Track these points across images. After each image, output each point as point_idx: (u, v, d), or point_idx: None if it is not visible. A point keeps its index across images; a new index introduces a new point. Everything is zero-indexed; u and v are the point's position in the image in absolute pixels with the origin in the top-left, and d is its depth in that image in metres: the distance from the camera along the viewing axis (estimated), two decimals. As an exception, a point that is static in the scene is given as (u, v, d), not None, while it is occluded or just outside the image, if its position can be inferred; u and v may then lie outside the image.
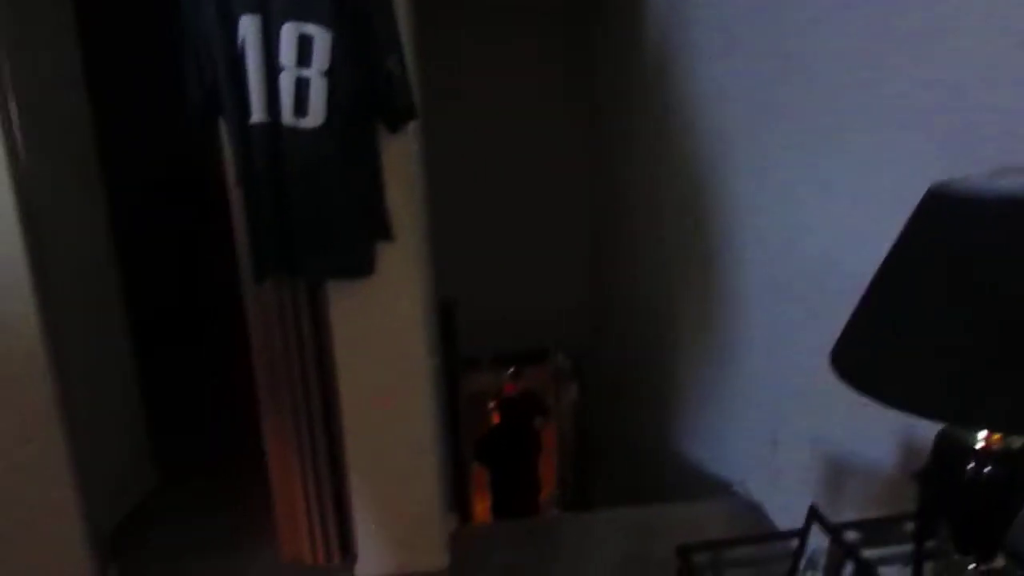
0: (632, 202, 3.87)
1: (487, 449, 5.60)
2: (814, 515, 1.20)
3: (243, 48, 1.75)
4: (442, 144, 4.28)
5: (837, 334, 1.01)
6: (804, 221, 1.94)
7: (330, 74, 1.79)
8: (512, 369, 6.19)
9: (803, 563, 1.18)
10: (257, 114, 1.78)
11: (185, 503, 2.77)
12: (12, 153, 1.93)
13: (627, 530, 2.35)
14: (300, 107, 1.79)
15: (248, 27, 1.74)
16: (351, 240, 1.89)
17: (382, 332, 2.04)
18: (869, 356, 0.96)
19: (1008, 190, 0.93)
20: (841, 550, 1.09)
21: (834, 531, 1.14)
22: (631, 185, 3.87)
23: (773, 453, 2.17)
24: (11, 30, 2.03)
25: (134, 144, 3.73)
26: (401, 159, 1.94)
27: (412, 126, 1.97)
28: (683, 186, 2.92)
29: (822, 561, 1.13)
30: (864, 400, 0.91)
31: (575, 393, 6.04)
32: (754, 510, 2.32)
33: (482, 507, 5.83)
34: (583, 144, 4.85)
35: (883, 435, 1.56)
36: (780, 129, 2.06)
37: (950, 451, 1.00)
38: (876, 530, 1.32)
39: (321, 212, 1.84)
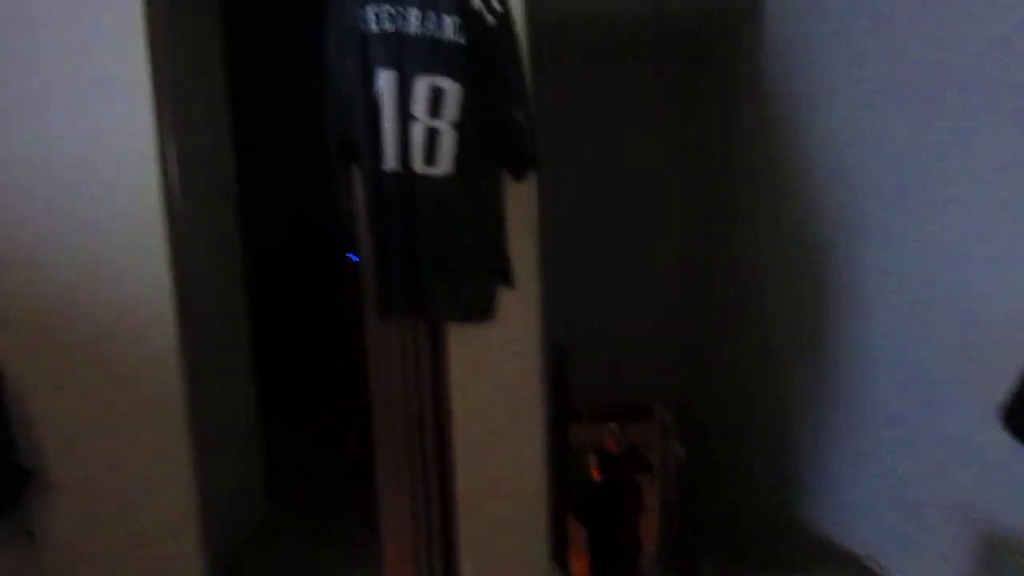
0: (743, 251, 3.78)
1: (586, 505, 5.47)
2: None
3: (379, 100, 1.85)
4: (549, 193, 4.37)
5: (994, 382, 0.94)
6: (951, 265, 1.82)
7: (459, 125, 1.87)
8: (615, 424, 6.08)
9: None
10: (390, 161, 1.87)
11: (297, 532, 2.84)
12: (170, 213, 2.12)
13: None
14: (430, 156, 1.88)
15: (385, 80, 1.84)
16: (474, 284, 1.94)
17: (498, 376, 2.06)
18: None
19: None
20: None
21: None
22: (741, 234, 3.79)
23: (910, 521, 2.01)
24: (173, 100, 2.23)
25: (268, 195, 3.99)
26: (523, 206, 1.99)
27: (533, 174, 2.03)
28: (802, 236, 2.84)
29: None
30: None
31: (680, 450, 5.86)
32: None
33: (579, 566, 5.68)
34: (690, 195, 4.80)
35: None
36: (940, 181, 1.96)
37: None
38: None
39: (447, 256, 1.90)
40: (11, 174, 2.06)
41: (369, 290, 2.06)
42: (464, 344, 2.05)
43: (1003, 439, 0.89)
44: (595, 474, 5.75)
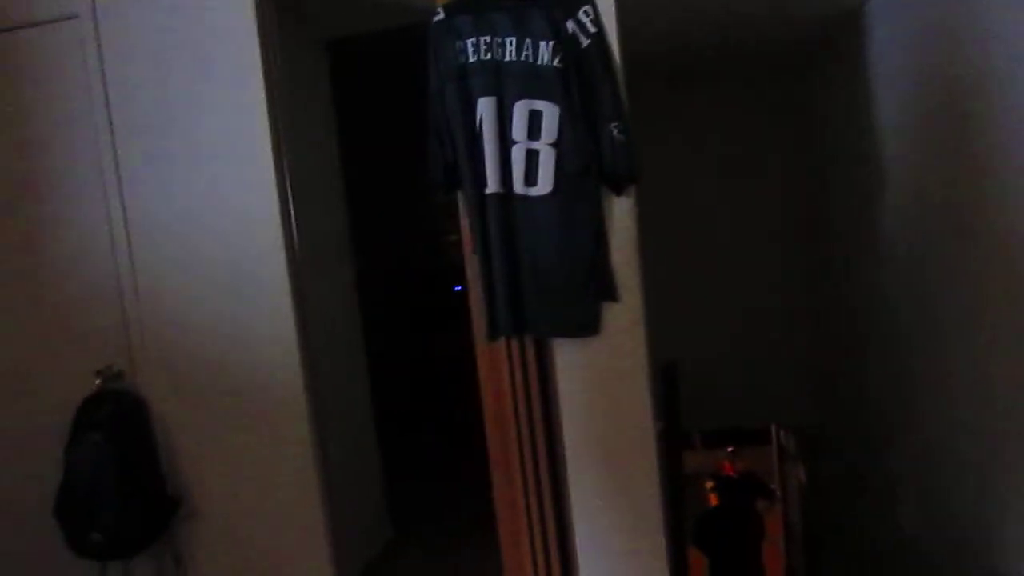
0: (864, 261, 3.61)
1: (705, 532, 5.30)
2: None
3: (481, 126, 1.92)
4: (661, 208, 4.34)
5: None
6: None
7: (557, 145, 1.91)
8: (731, 448, 5.89)
9: None
10: (493, 185, 1.93)
11: (420, 555, 2.92)
12: (293, 272, 2.30)
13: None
14: (530, 177, 1.93)
15: (486, 107, 1.91)
16: (578, 300, 1.96)
17: (607, 392, 2.06)
18: None
19: None
20: None
21: None
22: (860, 245, 3.62)
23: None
24: (292, 144, 2.40)
25: (379, 238, 4.18)
26: (624, 221, 1.99)
27: (633, 189, 2.03)
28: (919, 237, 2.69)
29: None
30: None
31: (802, 475, 5.59)
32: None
33: (701, 596, 5.49)
34: (808, 205, 4.63)
35: None
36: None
37: None
38: None
39: (550, 273, 1.93)
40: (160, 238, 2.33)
41: (476, 313, 2.11)
42: (571, 360, 2.06)
43: None
44: (712, 500, 5.57)
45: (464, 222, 2.08)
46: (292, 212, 2.33)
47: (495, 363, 2.15)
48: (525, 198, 1.94)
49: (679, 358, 4.03)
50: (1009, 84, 2.03)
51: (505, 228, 1.94)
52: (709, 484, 5.65)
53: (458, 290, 4.55)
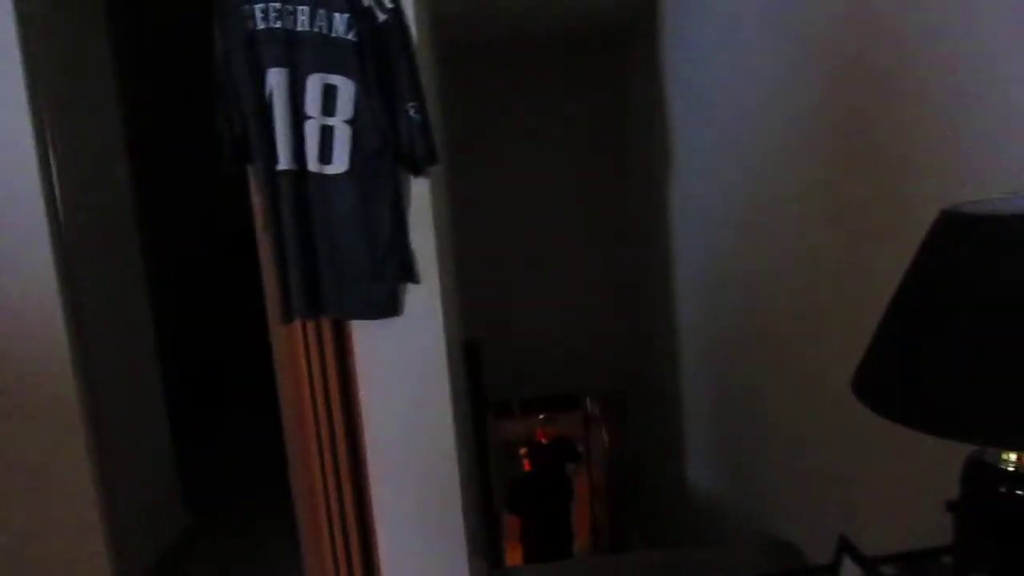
0: (664, 242, 3.88)
1: (519, 496, 5.53)
2: (845, 546, 1.16)
3: (271, 99, 1.82)
4: (471, 186, 4.37)
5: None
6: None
7: (353, 122, 1.86)
8: (543, 415, 6.15)
9: (835, 598, 1.15)
10: (284, 162, 1.84)
11: (218, 545, 2.79)
12: (53, 218, 2.04)
13: (658, 572, 2.29)
14: (325, 154, 1.86)
15: (276, 79, 1.82)
16: (377, 281, 1.93)
17: (407, 372, 2.06)
18: (895, 381, 0.95)
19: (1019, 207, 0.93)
20: (875, 583, 1.06)
21: (866, 563, 1.10)
22: (661, 222, 3.88)
23: (807, 491, 2.11)
24: (56, 98, 2.15)
25: (169, 203, 3.86)
26: (424, 202, 1.99)
27: (435, 169, 2.03)
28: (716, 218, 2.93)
29: (855, 595, 1.10)
30: (894, 430, 0.89)
31: (607, 438, 5.97)
32: (790, 550, 2.26)
33: (514, 557, 5.73)
34: (616, 182, 4.86)
35: (917, 467, 1.52)
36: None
37: (981, 477, 0.97)
38: (913, 563, 1.28)
39: (346, 254, 1.89)
40: None
41: (271, 294, 2.03)
42: (370, 341, 2.04)
43: (866, 414, 0.94)
44: (526, 465, 5.82)
45: (255, 198, 1.98)
46: (56, 179, 2.09)
47: (292, 346, 2.09)
48: (320, 176, 1.87)
49: (497, 332, 4.15)
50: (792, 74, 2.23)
51: (299, 207, 1.87)
52: (523, 450, 5.89)
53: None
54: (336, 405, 2.10)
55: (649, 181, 3.90)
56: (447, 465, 2.12)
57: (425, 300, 2.02)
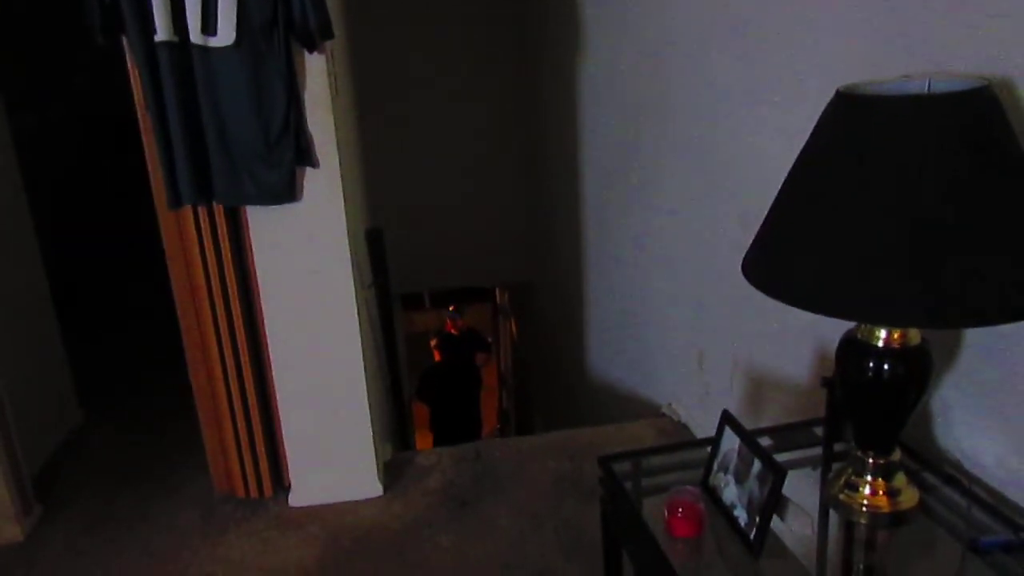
0: (560, 138, 3.84)
1: (428, 386, 5.63)
2: (727, 420, 1.24)
3: (143, -42, 1.64)
4: (376, 66, 4.17)
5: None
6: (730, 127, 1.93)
7: (240, -12, 1.70)
8: (452, 307, 6.20)
9: (716, 465, 1.23)
10: (162, 32, 1.68)
11: (113, 440, 2.74)
12: None
13: (558, 451, 2.40)
14: (208, 24, 1.71)
15: (148, -65, 1.63)
16: (272, 165, 1.83)
17: (306, 260, 2.00)
18: (778, 260, 0.98)
19: (912, 90, 0.95)
20: (751, 452, 1.14)
21: (744, 434, 1.18)
22: (559, 122, 3.84)
23: (699, 374, 2.23)
24: None
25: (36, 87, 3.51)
26: (319, 80, 1.87)
27: (332, 46, 1.90)
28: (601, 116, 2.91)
29: (733, 463, 1.17)
30: (782, 312, 0.93)
31: (514, 329, 6.11)
32: (682, 429, 2.40)
33: (424, 444, 5.90)
34: (516, 80, 4.74)
35: (800, 347, 1.61)
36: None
37: (854, 353, 1.04)
38: (788, 435, 1.38)
39: (236, 135, 1.77)
40: None
41: (156, 178, 1.90)
42: (267, 228, 1.95)
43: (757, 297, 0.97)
44: (436, 355, 5.90)
45: (133, 73, 1.81)
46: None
47: (183, 234, 1.98)
48: (204, 49, 1.72)
49: (408, 224, 4.08)
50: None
51: (182, 82, 1.73)
52: (433, 342, 5.95)
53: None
54: (234, 294, 2.03)
55: (555, 65, 3.82)
56: (351, 350, 2.10)
57: (325, 185, 1.94)
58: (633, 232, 2.75)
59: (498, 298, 6.33)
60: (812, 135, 0.96)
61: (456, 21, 4.60)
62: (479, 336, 6.05)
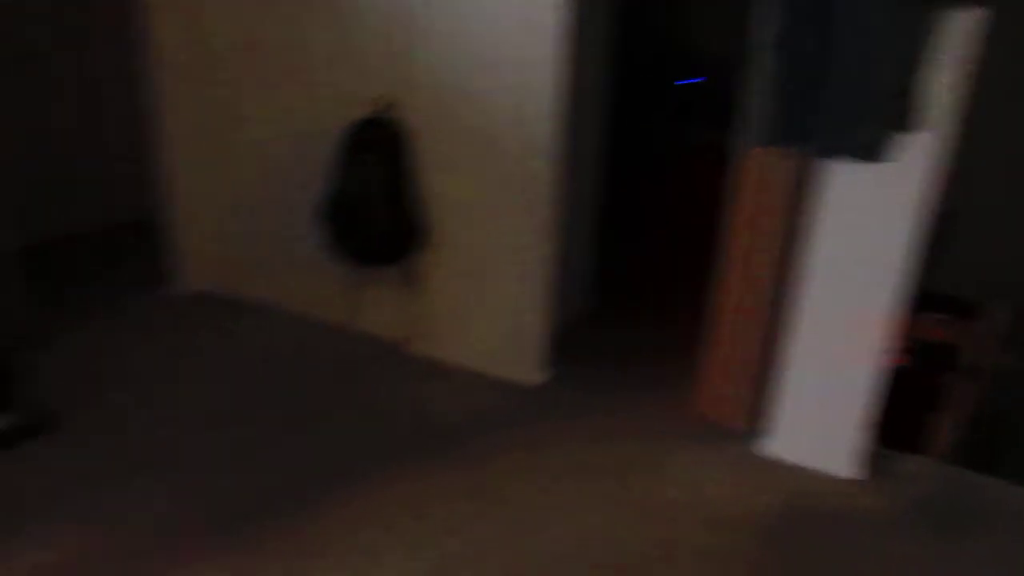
0: None
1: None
2: None
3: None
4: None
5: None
6: None
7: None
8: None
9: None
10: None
11: (615, 328, 3.13)
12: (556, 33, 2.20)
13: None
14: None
15: None
16: (875, 121, 1.75)
17: (868, 226, 1.93)
18: None
19: None
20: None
21: None
22: None
23: None
24: None
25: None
26: (957, 43, 1.71)
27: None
28: None
29: None
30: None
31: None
32: None
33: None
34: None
35: None
36: None
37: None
38: None
39: (858, 87, 1.72)
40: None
41: (747, 111, 1.96)
42: (845, 186, 1.92)
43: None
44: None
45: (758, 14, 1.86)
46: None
47: (762, 175, 2.04)
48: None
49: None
50: None
51: (818, 28, 1.72)
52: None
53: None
54: (790, 237, 2.06)
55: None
56: (872, 338, 2.02)
57: (912, 153, 1.82)
58: None
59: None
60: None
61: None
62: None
